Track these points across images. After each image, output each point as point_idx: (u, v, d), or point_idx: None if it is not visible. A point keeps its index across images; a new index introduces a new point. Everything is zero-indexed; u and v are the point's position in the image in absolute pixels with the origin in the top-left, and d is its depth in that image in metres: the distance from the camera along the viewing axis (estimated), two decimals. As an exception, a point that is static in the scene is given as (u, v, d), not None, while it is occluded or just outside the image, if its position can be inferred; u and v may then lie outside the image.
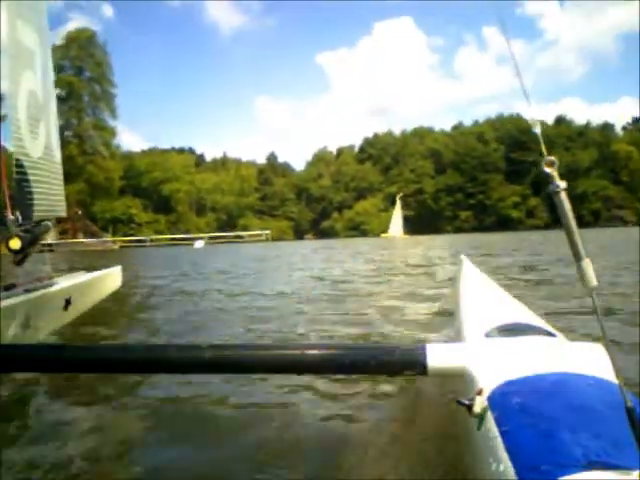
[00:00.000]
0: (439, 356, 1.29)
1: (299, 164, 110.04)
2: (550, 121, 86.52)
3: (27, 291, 2.57)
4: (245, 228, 77.73)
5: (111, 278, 3.94)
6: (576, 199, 74.58)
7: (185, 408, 2.55)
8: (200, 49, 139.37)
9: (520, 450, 0.90)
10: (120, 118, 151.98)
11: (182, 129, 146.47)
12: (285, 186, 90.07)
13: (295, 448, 2.02)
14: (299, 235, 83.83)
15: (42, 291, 2.67)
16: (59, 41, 75.71)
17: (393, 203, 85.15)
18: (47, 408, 2.56)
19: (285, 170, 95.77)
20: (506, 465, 0.90)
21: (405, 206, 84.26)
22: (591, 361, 1.12)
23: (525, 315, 1.78)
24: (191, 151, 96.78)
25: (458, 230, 77.16)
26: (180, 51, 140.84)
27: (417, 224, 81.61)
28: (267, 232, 73.53)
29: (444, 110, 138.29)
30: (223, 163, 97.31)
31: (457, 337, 1.92)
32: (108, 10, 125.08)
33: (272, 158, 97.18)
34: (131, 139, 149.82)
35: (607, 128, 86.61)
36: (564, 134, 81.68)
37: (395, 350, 1.34)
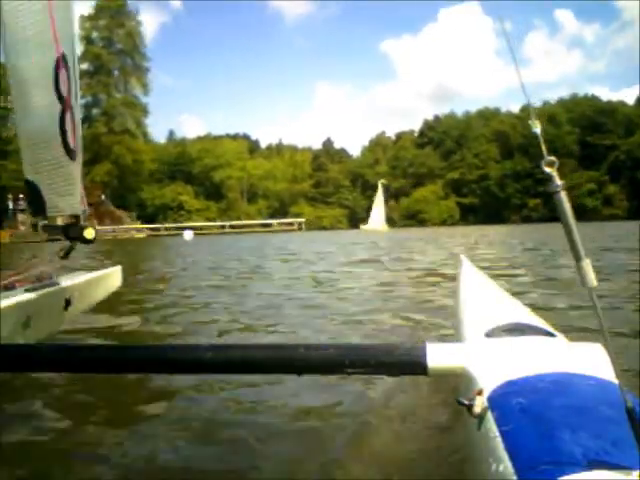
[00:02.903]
0: (439, 356, 1.28)
1: (356, 150, 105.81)
2: (631, 101, 78.95)
3: (27, 291, 2.60)
4: (297, 216, 74.76)
5: (111, 278, 3.85)
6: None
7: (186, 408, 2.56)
8: (264, 37, 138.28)
9: (520, 450, 0.91)
10: (182, 106, 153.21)
11: (240, 116, 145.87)
12: (340, 172, 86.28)
13: (293, 448, 2.06)
14: (354, 223, 79.90)
15: (42, 291, 2.69)
16: (88, 11, 72.46)
17: (455, 190, 79.77)
18: (46, 409, 2.56)
19: (341, 156, 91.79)
20: (506, 465, 0.90)
21: (469, 193, 78.81)
22: (591, 361, 1.13)
23: (525, 315, 1.78)
24: (245, 137, 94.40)
25: (526, 219, 71.37)
26: (244, 40, 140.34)
27: (481, 213, 76.25)
28: (300, 220, 69.55)
29: (511, 96, 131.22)
30: (278, 150, 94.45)
31: (457, 337, 1.92)
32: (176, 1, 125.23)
33: (328, 143, 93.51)
34: (191, 126, 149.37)
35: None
36: (647, 114, 74.00)
37: (395, 350, 1.33)
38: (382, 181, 73.30)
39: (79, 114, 2.74)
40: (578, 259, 0.94)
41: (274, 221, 69.92)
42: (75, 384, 2.82)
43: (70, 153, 2.63)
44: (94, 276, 3.51)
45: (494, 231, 36.34)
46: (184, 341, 4.04)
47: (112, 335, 4.36)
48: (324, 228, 73.53)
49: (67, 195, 2.64)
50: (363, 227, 65.21)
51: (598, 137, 73.90)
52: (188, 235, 48.78)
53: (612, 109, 77.04)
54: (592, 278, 0.93)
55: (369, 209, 77.52)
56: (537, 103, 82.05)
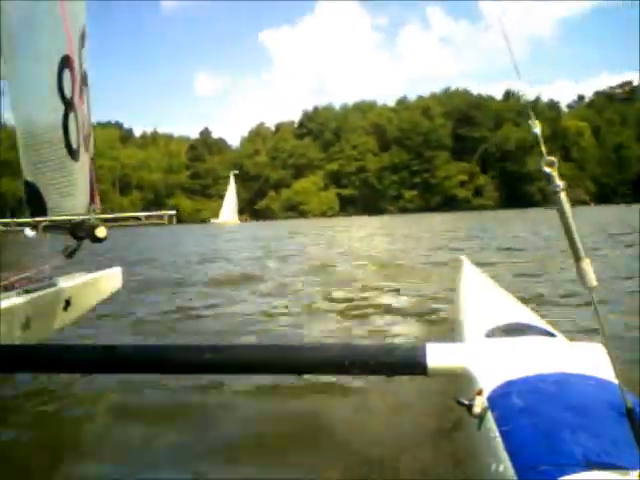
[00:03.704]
0: (439, 356, 1.28)
1: (235, 140, 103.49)
2: (499, 96, 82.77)
3: (27, 291, 2.60)
4: (174, 209, 70.90)
5: (111, 279, 3.83)
6: (525, 177, 70.86)
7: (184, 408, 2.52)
8: (139, 22, 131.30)
9: (520, 450, 0.91)
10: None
11: (112, 104, 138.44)
12: (219, 163, 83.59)
13: (294, 448, 2.02)
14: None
15: (42, 291, 2.69)
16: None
17: (334, 182, 79.77)
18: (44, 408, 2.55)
19: (220, 146, 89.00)
20: (506, 465, 0.90)
21: (348, 184, 79.09)
22: (591, 361, 1.13)
23: (525, 315, 1.79)
24: (117, 125, 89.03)
25: (402, 210, 72.71)
26: (118, 26, 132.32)
27: (360, 204, 76.77)
28: (171, 213, 66.22)
29: (388, 89, 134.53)
30: (153, 139, 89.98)
31: (457, 337, 1.92)
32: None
33: (205, 133, 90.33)
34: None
35: (554, 105, 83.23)
36: (513, 108, 77.74)
37: (395, 350, 1.34)
38: (234, 172, 72.12)
39: (88, 114, 2.72)
40: (578, 259, 0.92)
41: (143, 214, 65.76)
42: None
43: (73, 153, 2.59)
44: (94, 277, 3.49)
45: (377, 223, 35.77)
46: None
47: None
48: (204, 221, 70.70)
49: (69, 195, 2.62)
50: (214, 220, 63.22)
51: (469, 130, 76.64)
52: (29, 232, 44.52)
53: (482, 103, 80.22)
54: (592, 278, 0.91)
55: (249, 201, 75.74)
56: (412, 97, 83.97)
